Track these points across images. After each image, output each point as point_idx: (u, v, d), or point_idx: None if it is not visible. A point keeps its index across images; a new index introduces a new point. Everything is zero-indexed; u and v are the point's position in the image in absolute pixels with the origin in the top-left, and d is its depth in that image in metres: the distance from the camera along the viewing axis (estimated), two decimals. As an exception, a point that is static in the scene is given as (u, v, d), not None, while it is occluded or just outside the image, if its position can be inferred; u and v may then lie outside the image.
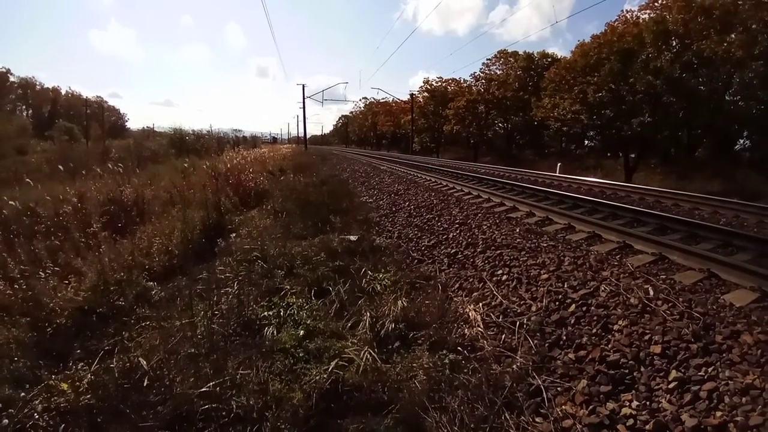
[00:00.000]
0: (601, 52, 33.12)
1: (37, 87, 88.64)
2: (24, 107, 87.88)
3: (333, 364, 3.61)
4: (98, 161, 19.18)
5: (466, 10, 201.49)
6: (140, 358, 3.45)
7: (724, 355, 3.13)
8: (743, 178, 23.80)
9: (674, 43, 29.61)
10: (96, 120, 78.00)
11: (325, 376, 3.47)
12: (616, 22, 35.26)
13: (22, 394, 3.28)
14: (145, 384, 3.23)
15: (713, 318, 3.59)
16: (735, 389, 2.79)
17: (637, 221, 7.08)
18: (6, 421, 2.98)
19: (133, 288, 5.66)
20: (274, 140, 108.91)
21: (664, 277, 4.52)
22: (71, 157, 21.64)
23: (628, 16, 35.01)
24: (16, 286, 5.33)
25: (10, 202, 8.62)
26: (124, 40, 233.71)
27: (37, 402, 3.14)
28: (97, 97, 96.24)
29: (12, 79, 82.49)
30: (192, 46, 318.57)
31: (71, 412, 3.08)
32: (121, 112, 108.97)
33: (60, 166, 13.59)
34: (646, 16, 32.36)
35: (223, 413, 3.03)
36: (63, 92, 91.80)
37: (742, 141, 31.08)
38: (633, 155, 33.37)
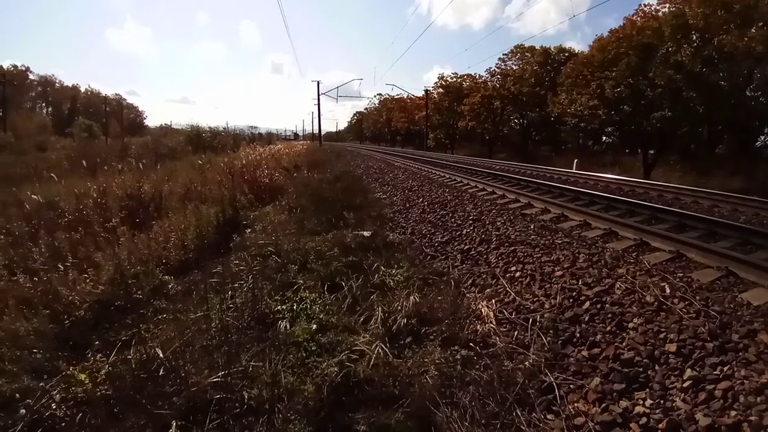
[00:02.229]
0: (619, 46, 32.59)
1: (57, 85, 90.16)
2: (44, 105, 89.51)
3: (344, 357, 3.64)
4: (117, 158, 19.49)
5: (481, 4, 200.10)
6: (157, 349, 3.51)
7: (740, 354, 3.09)
8: (764, 175, 23.28)
9: (694, 38, 29.04)
10: (115, 117, 79.27)
11: (336, 369, 3.49)
12: (635, 16, 34.68)
13: (41, 384, 3.35)
14: (161, 375, 3.29)
15: (730, 317, 3.54)
16: (750, 389, 2.75)
17: (655, 218, 7.00)
18: (23, 410, 3.05)
19: (150, 281, 5.75)
20: (296, 136, 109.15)
21: (681, 275, 4.46)
22: (91, 153, 21.97)
23: (647, 10, 34.45)
24: (36, 279, 5.45)
25: (33, 197, 8.82)
26: (140, 38, 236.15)
27: (55, 392, 3.21)
28: (116, 94, 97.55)
29: (31, 77, 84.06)
30: (207, 43, 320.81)
31: (88, 402, 3.15)
32: (140, 109, 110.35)
33: (81, 162, 13.85)
34: (666, 9, 31.78)
35: (236, 404, 3.08)
36: (82, 90, 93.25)
37: (763, 137, 30.49)
38: (652, 151, 32.86)
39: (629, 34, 32.41)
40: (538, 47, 50.24)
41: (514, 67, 52.64)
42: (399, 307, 4.52)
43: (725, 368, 2.98)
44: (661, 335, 3.47)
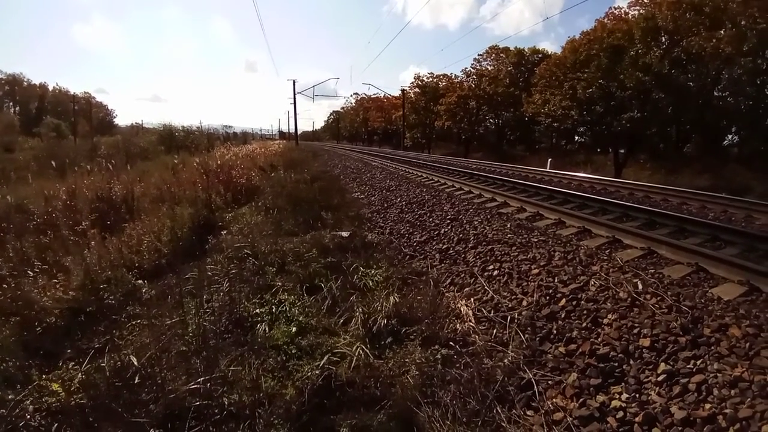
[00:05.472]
0: (590, 48, 33.23)
1: (24, 83, 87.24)
2: (11, 104, 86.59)
3: (325, 360, 3.62)
4: (87, 158, 18.97)
5: (456, 4, 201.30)
6: (131, 356, 3.43)
7: (712, 348, 3.17)
8: (731, 173, 24.06)
9: (663, 40, 29.81)
10: (84, 116, 77.00)
11: (317, 372, 3.47)
12: (606, 19, 35.40)
13: (13, 395, 3.25)
14: (136, 382, 3.21)
15: (701, 311, 3.63)
16: (724, 382, 2.83)
17: (627, 216, 7.14)
18: None
19: (122, 286, 5.62)
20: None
21: (652, 271, 4.56)
22: (59, 154, 21.37)
23: (617, 13, 35.20)
24: (5, 285, 5.27)
25: (6, 198, 8.55)
26: (108, 35, 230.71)
27: (28, 402, 3.11)
28: (85, 93, 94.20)
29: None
30: (179, 40, 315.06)
31: (63, 412, 3.06)
32: (109, 108, 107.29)
33: (50, 163, 13.47)
34: (636, 12, 32.56)
35: (216, 410, 3.03)
36: (50, 88, 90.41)
37: (730, 136, 31.47)
38: (622, 151, 33.59)
39: (600, 36, 33.06)
40: (512, 48, 51.03)
41: (489, 68, 53.15)
42: (379, 308, 4.52)
43: (698, 362, 3.06)
44: (635, 330, 3.55)
